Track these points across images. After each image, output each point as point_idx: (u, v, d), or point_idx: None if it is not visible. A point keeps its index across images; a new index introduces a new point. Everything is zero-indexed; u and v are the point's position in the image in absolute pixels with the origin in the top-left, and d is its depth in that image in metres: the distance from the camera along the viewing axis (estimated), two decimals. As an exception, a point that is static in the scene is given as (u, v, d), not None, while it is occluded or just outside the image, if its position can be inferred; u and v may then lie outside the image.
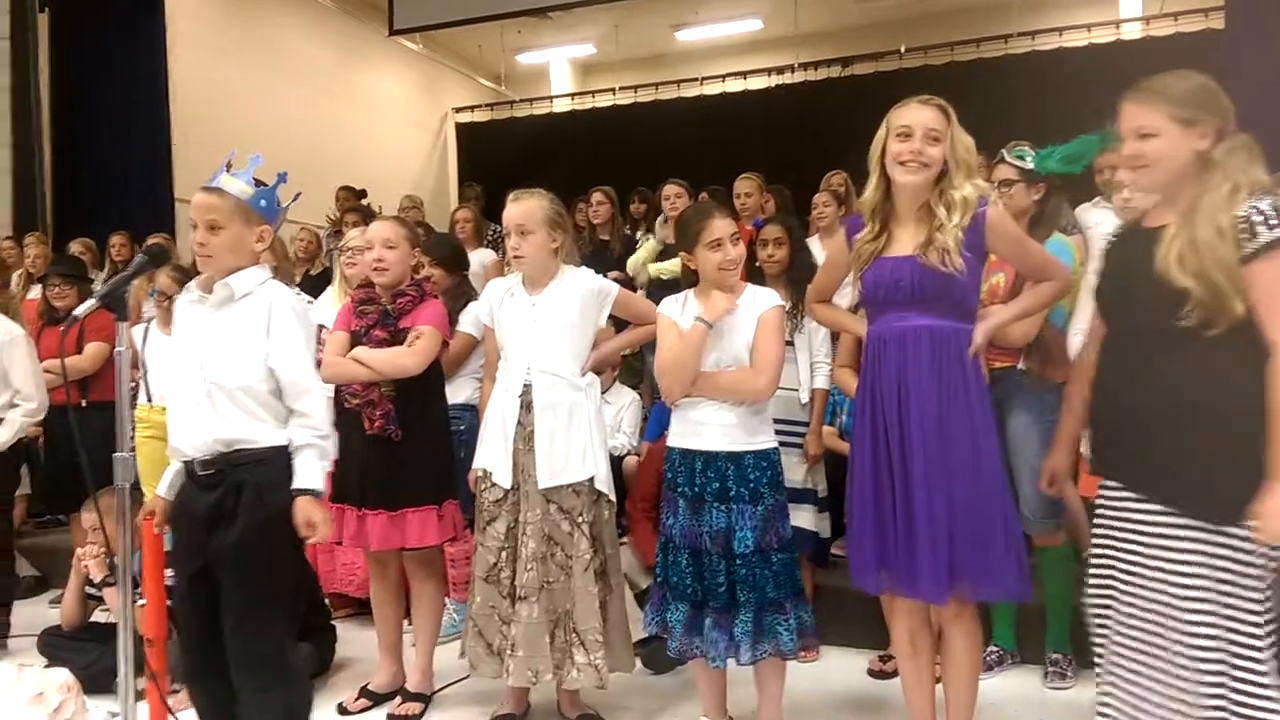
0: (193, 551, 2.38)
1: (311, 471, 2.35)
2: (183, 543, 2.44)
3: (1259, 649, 1.94)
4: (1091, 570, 2.21)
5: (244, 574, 2.32)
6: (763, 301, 2.73)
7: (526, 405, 2.89)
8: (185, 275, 4.65)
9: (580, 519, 2.87)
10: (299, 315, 2.43)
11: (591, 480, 2.90)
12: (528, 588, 2.84)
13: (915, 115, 2.41)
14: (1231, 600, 1.96)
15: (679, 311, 2.79)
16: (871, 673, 3.43)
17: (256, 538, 2.30)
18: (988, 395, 2.45)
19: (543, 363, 2.89)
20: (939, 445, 2.35)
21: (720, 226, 2.70)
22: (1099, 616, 2.20)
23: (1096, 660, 2.23)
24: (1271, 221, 1.93)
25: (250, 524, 2.29)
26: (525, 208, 2.92)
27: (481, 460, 3.00)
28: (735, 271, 2.72)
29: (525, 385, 2.89)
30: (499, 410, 2.95)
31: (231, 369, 2.33)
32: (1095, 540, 2.22)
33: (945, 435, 2.36)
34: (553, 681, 2.88)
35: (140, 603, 3.47)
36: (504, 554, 2.91)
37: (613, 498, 2.97)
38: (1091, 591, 2.21)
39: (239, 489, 2.31)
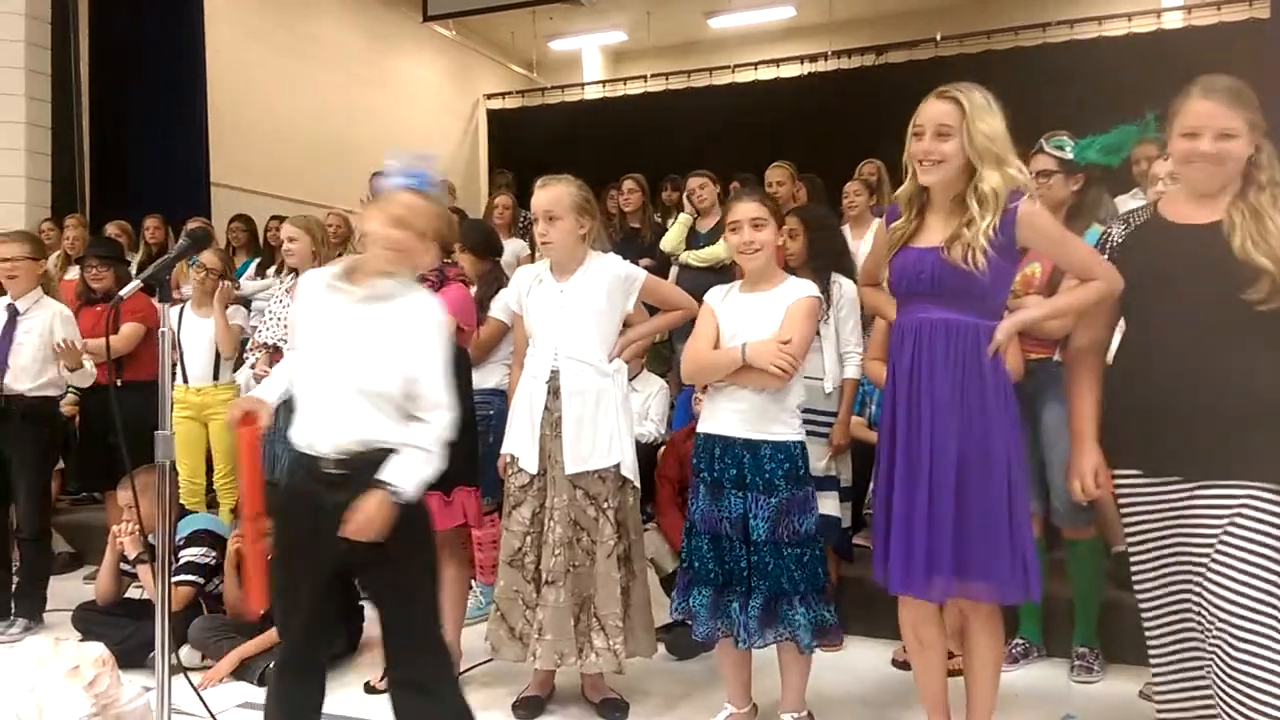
0: (320, 550, 2.18)
1: (401, 470, 2.12)
2: (305, 537, 2.21)
3: None
4: (1162, 574, 2.20)
5: (400, 581, 2.22)
6: (798, 290, 2.73)
7: (554, 391, 2.90)
8: (229, 255, 4.72)
9: (605, 505, 2.89)
10: (441, 329, 2.27)
11: (618, 466, 2.91)
12: (554, 572, 2.87)
13: (926, 112, 2.36)
14: None
15: (720, 300, 2.81)
16: (895, 663, 3.42)
17: (401, 547, 2.16)
18: (1008, 393, 2.38)
19: (570, 349, 2.90)
20: (947, 442, 2.32)
21: (739, 209, 2.74)
22: (1175, 623, 2.18)
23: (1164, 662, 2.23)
24: None
25: (395, 539, 2.13)
26: (553, 194, 2.93)
27: (509, 446, 3.02)
28: (754, 256, 2.73)
29: (553, 371, 2.91)
30: (527, 396, 2.96)
31: (372, 372, 2.17)
32: (1160, 541, 2.20)
33: (954, 432, 2.32)
34: (577, 665, 2.91)
35: (177, 579, 3.55)
36: (528, 539, 2.93)
37: (638, 484, 2.98)
38: (1164, 598, 2.20)
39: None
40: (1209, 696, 2.12)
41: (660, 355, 5.73)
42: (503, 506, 3.06)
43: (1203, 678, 2.14)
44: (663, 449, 4.33)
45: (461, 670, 3.29)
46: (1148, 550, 2.22)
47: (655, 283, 3.11)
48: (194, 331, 4.57)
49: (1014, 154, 2.36)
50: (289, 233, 4.22)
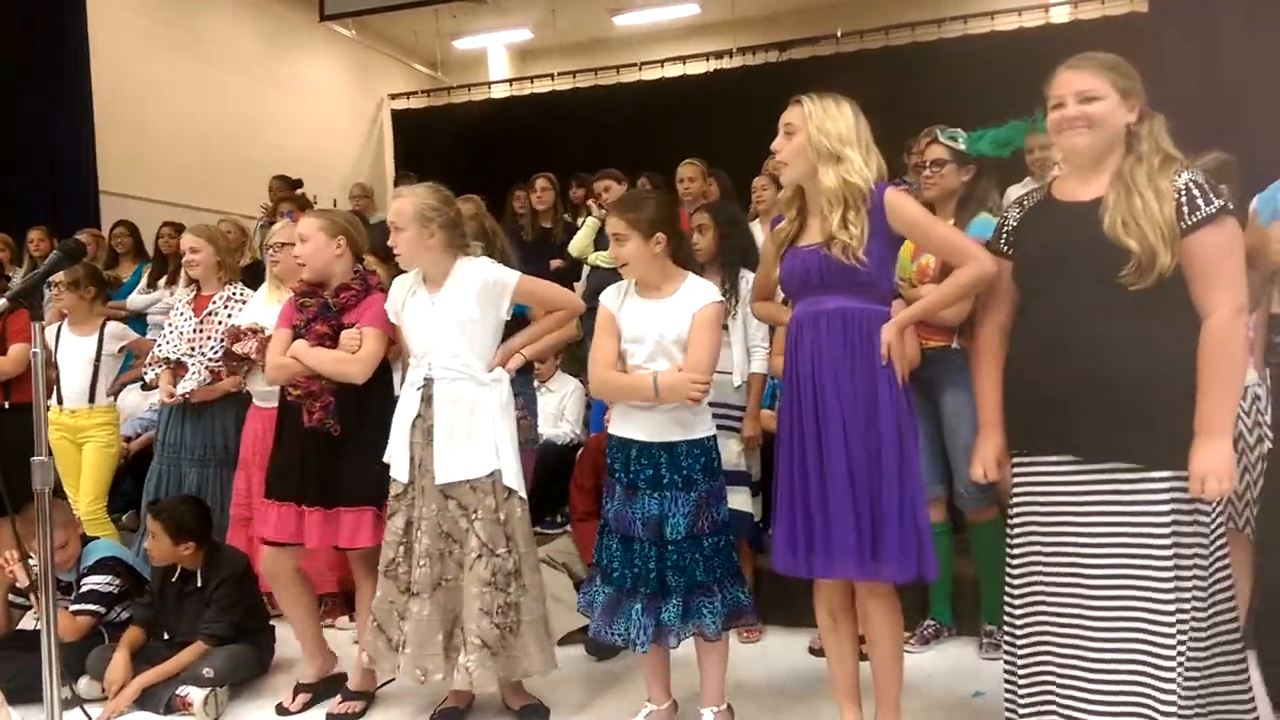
0: None
1: None
2: None
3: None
4: (1020, 549, 2.25)
5: None
6: (699, 296, 2.70)
7: (428, 399, 2.85)
8: (106, 262, 4.49)
9: (476, 516, 2.82)
10: None
11: (493, 477, 2.84)
12: (420, 584, 2.82)
13: (782, 117, 2.49)
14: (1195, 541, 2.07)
15: (619, 302, 2.78)
16: (812, 650, 3.47)
17: None
18: (897, 378, 2.43)
19: (443, 358, 2.84)
20: (840, 426, 2.41)
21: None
22: (1029, 595, 2.24)
23: (1016, 633, 2.26)
24: (1210, 195, 2.06)
25: None
26: (396, 205, 2.88)
27: (387, 455, 2.95)
28: (623, 270, 2.75)
29: (426, 379, 2.85)
30: (402, 405, 2.91)
31: None
32: (1026, 519, 2.25)
33: (855, 417, 2.41)
34: (444, 681, 2.87)
35: (77, 607, 3.39)
36: (401, 549, 2.87)
37: (524, 494, 2.91)
38: (1022, 572, 2.25)
39: None
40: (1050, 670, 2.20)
41: (575, 355, 5.70)
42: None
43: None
44: (579, 453, 4.31)
45: (377, 685, 3.23)
46: (1029, 530, 2.25)
47: (530, 284, 2.96)
48: (71, 351, 4.34)
49: (859, 151, 2.43)
50: (191, 243, 4.06)
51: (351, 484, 3.03)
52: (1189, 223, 2.04)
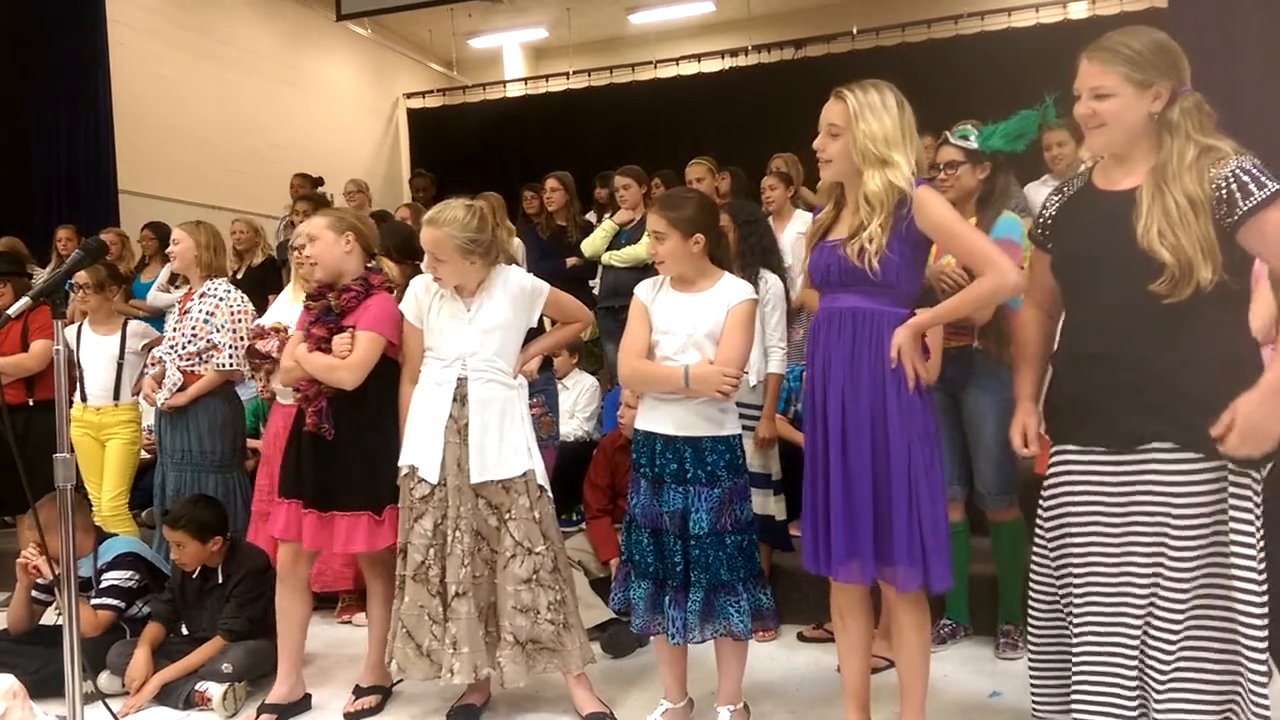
0: None
1: None
2: None
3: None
4: (1062, 538, 2.22)
5: None
6: (735, 293, 2.71)
7: (461, 399, 2.87)
8: (132, 265, 4.53)
9: (509, 515, 2.86)
10: None
11: (525, 477, 2.88)
12: (464, 583, 2.83)
13: (824, 111, 2.44)
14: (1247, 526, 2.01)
15: (653, 294, 2.79)
16: (801, 637, 3.56)
17: None
18: (915, 381, 2.40)
19: (477, 360, 2.88)
20: (851, 427, 2.39)
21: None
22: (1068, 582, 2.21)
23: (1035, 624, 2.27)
24: (1262, 178, 1.98)
25: None
26: (436, 238, 2.85)
27: (408, 456, 2.94)
28: (660, 267, 2.74)
29: (460, 379, 2.87)
30: (429, 405, 2.90)
31: None
32: (1059, 512, 2.22)
33: (857, 418, 2.38)
34: (492, 676, 2.88)
35: (98, 602, 3.42)
36: (431, 552, 2.87)
37: (550, 493, 2.95)
38: (1060, 561, 2.22)
39: None
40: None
41: (591, 354, 5.73)
42: (400, 519, 2.96)
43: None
44: (595, 451, 4.32)
45: (393, 683, 3.25)
46: (1061, 526, 2.22)
47: (557, 296, 3.09)
48: (92, 349, 4.38)
49: (905, 151, 2.35)
50: (174, 235, 4.07)
51: (347, 489, 2.99)
52: (1244, 208, 1.96)
